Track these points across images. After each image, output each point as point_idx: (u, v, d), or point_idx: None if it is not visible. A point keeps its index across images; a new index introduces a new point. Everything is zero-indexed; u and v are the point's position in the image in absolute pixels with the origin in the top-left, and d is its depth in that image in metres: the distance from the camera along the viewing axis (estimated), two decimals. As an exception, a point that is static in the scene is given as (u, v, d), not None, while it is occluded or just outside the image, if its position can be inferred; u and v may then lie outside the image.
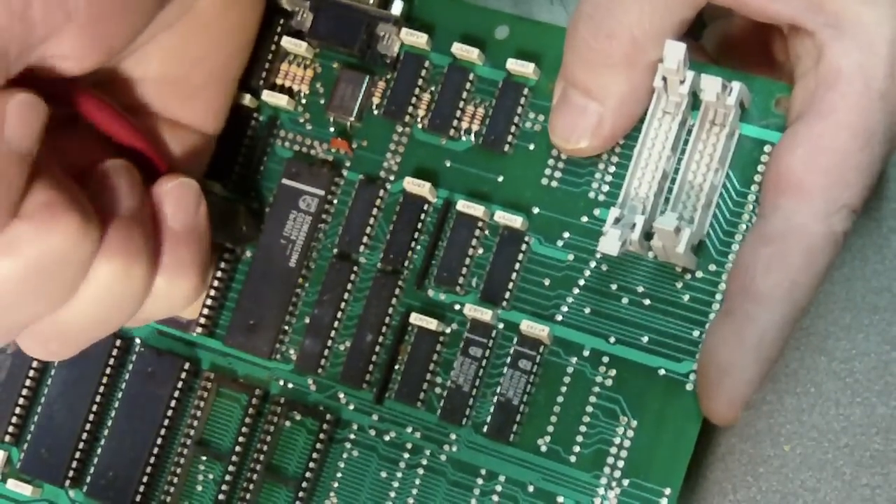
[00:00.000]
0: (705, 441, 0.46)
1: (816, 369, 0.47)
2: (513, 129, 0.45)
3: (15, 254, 0.36)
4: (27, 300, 0.38)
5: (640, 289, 0.43)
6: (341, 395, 0.45)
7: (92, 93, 0.40)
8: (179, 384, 0.46)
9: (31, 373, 0.47)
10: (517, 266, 0.44)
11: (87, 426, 0.46)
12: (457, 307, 0.45)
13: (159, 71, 0.43)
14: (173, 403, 0.46)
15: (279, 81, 0.47)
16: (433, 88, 0.45)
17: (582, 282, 0.44)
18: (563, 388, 0.43)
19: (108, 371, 0.46)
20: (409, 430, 0.45)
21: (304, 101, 0.47)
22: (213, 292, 0.46)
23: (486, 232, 0.45)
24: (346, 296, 0.45)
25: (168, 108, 0.43)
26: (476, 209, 0.44)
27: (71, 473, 0.46)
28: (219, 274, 0.46)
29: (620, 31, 0.40)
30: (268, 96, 0.46)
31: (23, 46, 0.36)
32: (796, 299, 0.40)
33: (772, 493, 0.46)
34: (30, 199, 0.36)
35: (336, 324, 0.45)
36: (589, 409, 0.43)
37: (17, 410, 0.47)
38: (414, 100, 0.45)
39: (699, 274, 0.43)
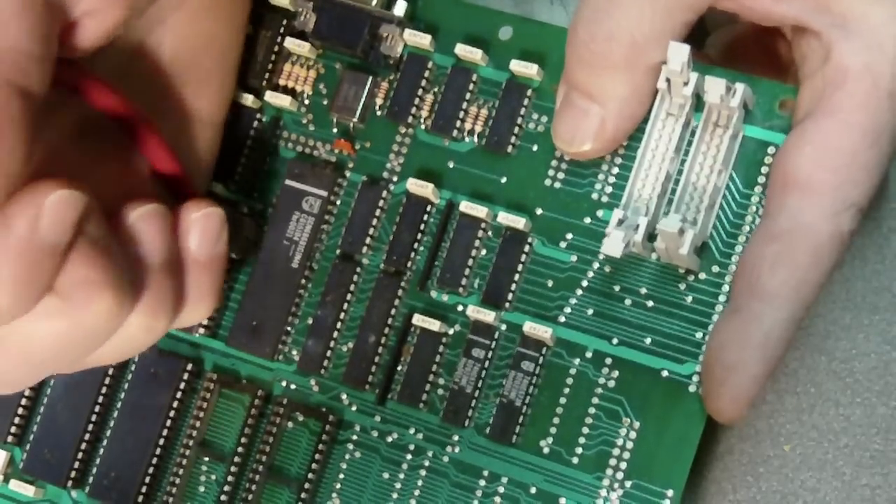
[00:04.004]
0: (705, 440, 0.45)
1: (816, 369, 0.46)
2: (516, 130, 0.45)
3: (47, 327, 0.37)
4: (55, 360, 0.39)
5: (644, 290, 0.43)
6: (344, 397, 0.45)
7: (144, 114, 0.41)
8: (182, 385, 0.46)
9: (34, 373, 0.47)
10: (520, 267, 0.44)
11: (90, 427, 0.46)
12: (459, 308, 0.45)
13: (172, 56, 0.43)
14: (176, 404, 0.46)
15: (282, 82, 0.47)
16: (436, 89, 0.45)
17: (585, 283, 0.44)
18: (566, 390, 0.43)
19: (110, 372, 0.46)
20: (412, 431, 0.45)
21: (307, 101, 0.47)
22: (215, 293, 0.46)
23: (489, 233, 0.45)
24: (348, 297, 0.45)
25: (183, 97, 0.43)
26: (479, 210, 0.44)
27: (73, 474, 0.46)
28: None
29: (620, 33, 0.40)
30: (271, 97, 0.46)
31: None
32: (802, 298, 0.40)
33: (772, 493, 0.46)
34: (67, 275, 0.36)
35: (339, 325, 0.45)
36: (591, 410, 0.43)
37: (20, 411, 0.47)
38: (417, 101, 0.45)
39: (702, 276, 0.43)
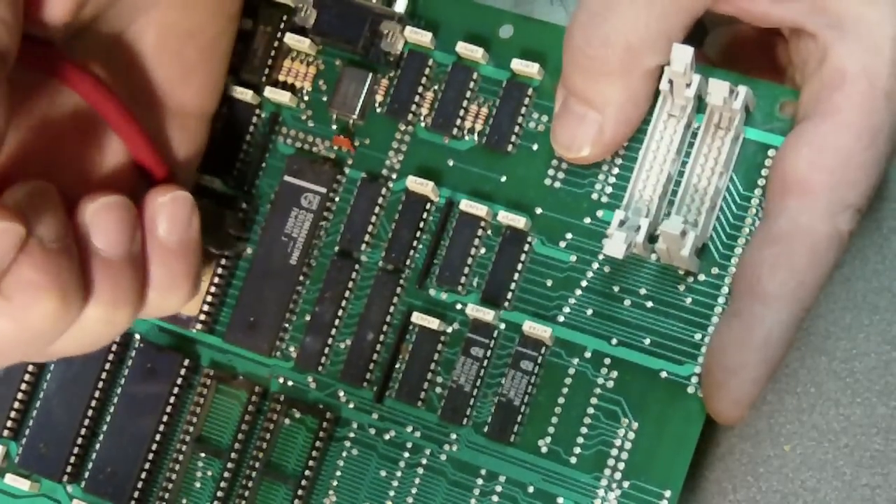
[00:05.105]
0: (705, 441, 0.46)
1: (816, 369, 0.47)
2: (516, 128, 0.44)
3: None
4: (3, 357, 0.39)
5: (643, 291, 0.43)
6: (341, 394, 0.45)
7: (110, 93, 0.41)
8: (179, 381, 0.46)
9: (30, 367, 0.47)
10: (519, 266, 0.44)
11: (86, 421, 0.46)
12: (458, 307, 0.44)
13: (155, 46, 0.42)
14: (172, 400, 0.46)
15: (282, 78, 0.46)
16: (437, 87, 0.45)
17: (584, 283, 0.43)
18: (565, 390, 0.43)
19: (107, 366, 0.46)
20: (410, 429, 0.44)
21: (306, 98, 0.47)
22: (213, 289, 0.46)
23: (489, 232, 0.44)
24: (347, 294, 0.45)
25: (167, 87, 0.43)
26: (479, 209, 0.44)
27: (69, 469, 0.46)
28: (220, 271, 0.46)
29: (615, 38, 0.40)
30: (270, 93, 0.46)
31: None
32: (802, 299, 0.40)
33: (772, 493, 0.46)
34: (12, 276, 0.36)
35: (337, 322, 0.45)
36: (590, 410, 0.43)
37: (16, 405, 0.47)
38: (417, 98, 0.45)
39: (702, 277, 0.42)
